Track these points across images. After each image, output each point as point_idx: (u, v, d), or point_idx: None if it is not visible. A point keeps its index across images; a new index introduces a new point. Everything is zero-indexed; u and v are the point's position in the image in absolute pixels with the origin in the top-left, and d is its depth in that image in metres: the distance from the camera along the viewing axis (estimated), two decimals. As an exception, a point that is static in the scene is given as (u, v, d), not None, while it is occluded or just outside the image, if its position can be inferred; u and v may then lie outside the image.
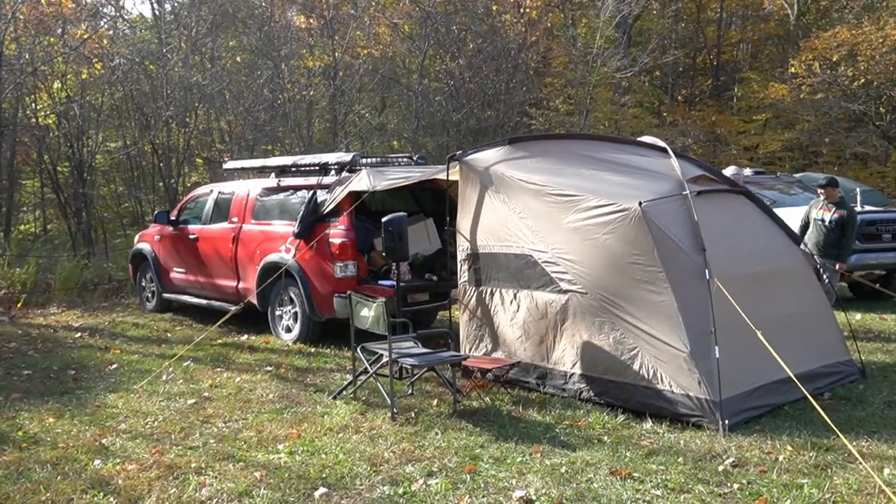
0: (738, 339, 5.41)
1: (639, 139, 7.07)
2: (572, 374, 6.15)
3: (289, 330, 8.80)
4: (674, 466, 4.61)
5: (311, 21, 21.41)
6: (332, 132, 18.95)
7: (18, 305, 11.25)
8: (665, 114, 25.19)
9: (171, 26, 20.12)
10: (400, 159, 9.37)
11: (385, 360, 5.88)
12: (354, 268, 8.21)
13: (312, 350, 8.27)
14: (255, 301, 9.05)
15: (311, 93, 18.17)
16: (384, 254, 7.45)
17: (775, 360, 5.12)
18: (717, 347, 5.30)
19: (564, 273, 6.15)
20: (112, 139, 20.48)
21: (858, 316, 9.53)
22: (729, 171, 8.72)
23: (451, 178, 7.13)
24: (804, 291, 6.57)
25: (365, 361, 6.20)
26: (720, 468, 4.55)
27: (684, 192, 5.89)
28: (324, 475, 4.65)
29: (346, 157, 8.55)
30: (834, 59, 20.17)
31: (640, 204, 5.69)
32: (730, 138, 23.05)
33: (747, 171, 11.59)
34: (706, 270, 5.50)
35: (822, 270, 8.03)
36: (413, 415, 5.82)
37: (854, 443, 4.92)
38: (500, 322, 6.71)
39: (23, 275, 11.87)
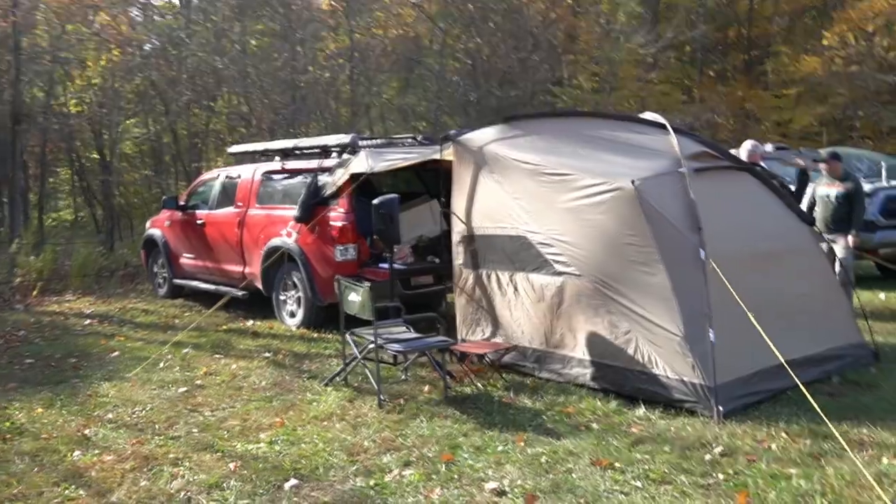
0: (735, 322, 5.14)
1: (639, 115, 6.80)
2: (570, 359, 5.96)
3: (293, 315, 8.72)
4: (659, 455, 4.41)
5: (334, 3, 21.28)
6: (352, 114, 18.85)
7: (34, 293, 11.36)
8: (694, 90, 24.61)
9: (195, 12, 20.13)
10: (404, 140, 9.20)
11: (371, 345, 5.75)
12: (355, 251, 8.08)
13: (315, 335, 8.17)
14: (259, 285, 9.01)
15: (327, 75, 18.03)
16: (376, 237, 7.30)
17: (774, 345, 4.87)
18: (711, 331, 5.07)
19: (559, 255, 5.95)
20: (138, 125, 20.64)
21: (882, 295, 9.16)
22: (747, 146, 8.39)
23: (445, 158, 6.95)
24: (813, 271, 6.27)
25: (354, 347, 6.08)
26: (707, 457, 4.34)
27: (681, 170, 5.63)
28: (298, 466, 4.54)
29: (345, 138, 8.40)
30: (870, 30, 19.43)
31: (633, 182, 5.45)
32: (760, 114, 22.42)
33: (768, 147, 11.18)
34: (701, 251, 5.26)
35: (831, 248, 7.72)
36: (402, 402, 5.69)
37: (856, 430, 4.69)
38: (497, 305, 6.53)
39: (38, 262, 11.97)
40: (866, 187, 9.13)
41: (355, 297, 5.91)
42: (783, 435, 4.63)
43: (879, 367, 6.11)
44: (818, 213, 7.98)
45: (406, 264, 8.12)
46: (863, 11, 19.04)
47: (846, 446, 3.92)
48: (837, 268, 7.48)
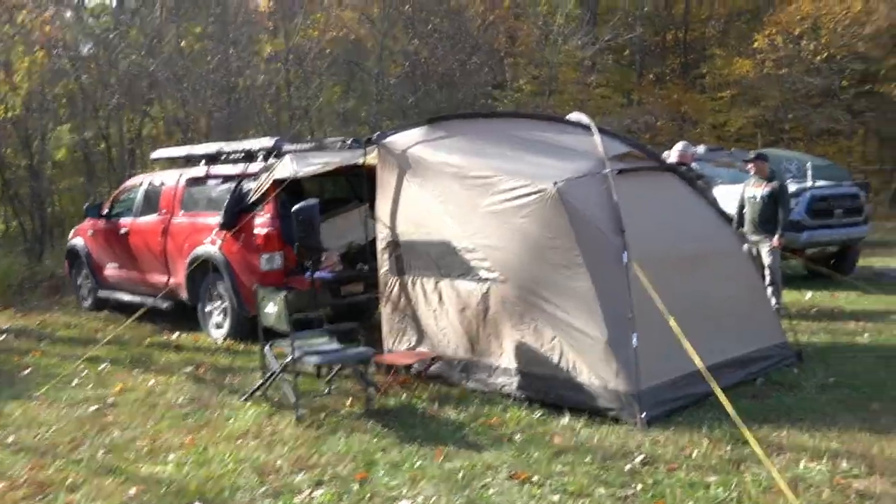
0: (660, 326, 5.02)
1: (565, 117, 6.70)
2: (496, 368, 5.82)
3: (219, 326, 8.42)
4: (580, 467, 4.29)
5: (272, 5, 20.89)
6: (290, 118, 18.50)
7: (-52, 307, 10.83)
8: (633, 93, 24.86)
9: (127, 13, 19.54)
10: (334, 143, 8.97)
11: (289, 358, 5.53)
12: (281, 259, 7.82)
13: (241, 348, 7.88)
14: (184, 296, 8.70)
15: (263, 78, 17.65)
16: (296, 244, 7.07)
17: (699, 348, 4.79)
18: (635, 335, 4.98)
19: (484, 260, 5.81)
20: (72, 131, 19.90)
21: (809, 294, 9.26)
22: (678, 147, 8.41)
23: (369, 162, 6.77)
24: (738, 273, 6.25)
25: (273, 360, 5.84)
26: (627, 467, 4.23)
27: (605, 171, 5.54)
28: (204, 489, 4.30)
29: (268, 142, 8.14)
30: (797, 33, 19.86)
31: (556, 184, 5.34)
32: (697, 116, 22.75)
33: (700, 149, 11.27)
34: (623, 253, 5.17)
35: (758, 250, 7.76)
36: (323, 416, 5.48)
37: (776, 433, 4.66)
38: (423, 314, 6.36)
39: (-49, 275, 11.43)
40: (793, 188, 9.23)
41: (272, 308, 5.68)
42: (705, 441, 4.57)
43: (802, 367, 6.11)
44: (746, 213, 8.03)
45: (334, 272, 7.90)
46: (791, 14, 19.46)
47: (761, 454, 3.84)
48: (767, 273, 7.54)
